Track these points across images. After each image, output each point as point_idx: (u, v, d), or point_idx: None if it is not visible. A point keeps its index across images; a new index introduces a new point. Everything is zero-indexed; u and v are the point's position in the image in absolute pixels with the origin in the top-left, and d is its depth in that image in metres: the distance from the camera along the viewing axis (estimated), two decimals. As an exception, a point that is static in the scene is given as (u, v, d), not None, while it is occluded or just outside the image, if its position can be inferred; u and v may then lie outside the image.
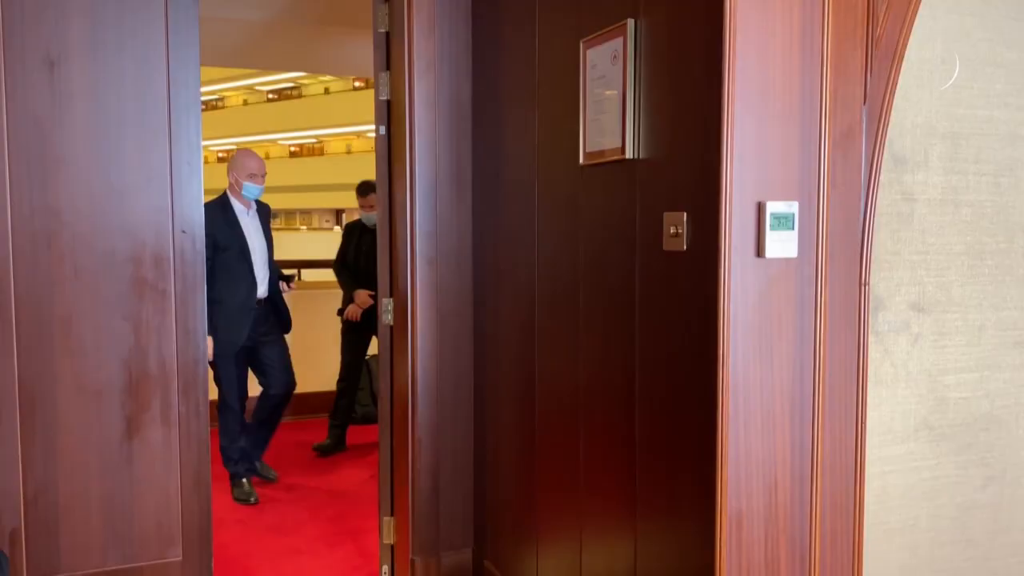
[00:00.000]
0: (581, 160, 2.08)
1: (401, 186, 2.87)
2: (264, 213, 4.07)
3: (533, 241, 2.41)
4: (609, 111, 1.95)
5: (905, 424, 1.93)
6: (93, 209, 2.60)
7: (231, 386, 3.93)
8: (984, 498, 2.04)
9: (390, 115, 2.98)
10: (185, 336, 2.72)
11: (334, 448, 4.83)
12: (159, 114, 2.66)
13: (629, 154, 1.88)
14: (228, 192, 3.92)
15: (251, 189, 3.88)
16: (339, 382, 4.82)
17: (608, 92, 1.95)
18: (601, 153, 1.99)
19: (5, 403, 2.54)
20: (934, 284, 1.94)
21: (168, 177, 2.67)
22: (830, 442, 1.75)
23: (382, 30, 2.97)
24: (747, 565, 1.68)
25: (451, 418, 2.87)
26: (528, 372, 2.47)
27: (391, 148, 2.98)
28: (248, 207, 3.94)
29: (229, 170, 3.92)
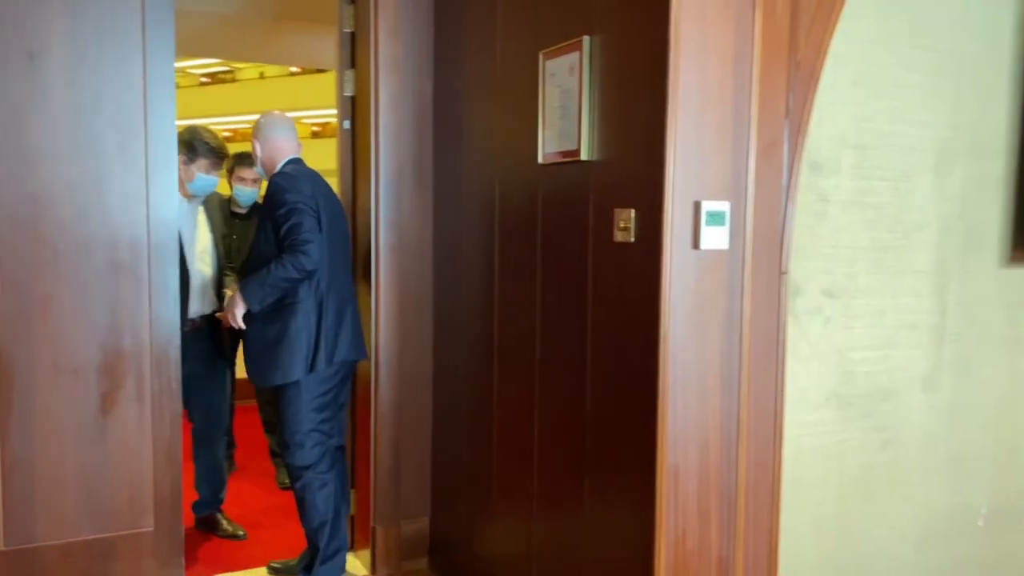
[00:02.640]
0: (540, 160, 2.31)
1: (365, 178, 3.06)
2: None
3: (493, 232, 2.63)
4: (566, 117, 2.19)
5: (817, 394, 2.23)
6: (71, 196, 2.71)
7: None
8: (883, 458, 2.36)
9: (354, 111, 3.16)
10: (158, 318, 2.86)
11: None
12: (135, 106, 2.78)
13: (584, 156, 2.12)
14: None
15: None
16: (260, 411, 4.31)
17: (565, 100, 2.19)
18: (558, 154, 2.23)
19: (-16, 380, 2.64)
20: (843, 274, 2.24)
21: (144, 166, 2.80)
22: (754, 409, 2.03)
23: (347, 30, 3.15)
24: (683, 513, 1.95)
25: (411, 395, 3.08)
26: (486, 351, 2.69)
27: (355, 142, 3.17)
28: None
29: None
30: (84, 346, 2.77)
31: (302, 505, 2.89)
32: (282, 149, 2.89)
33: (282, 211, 2.73)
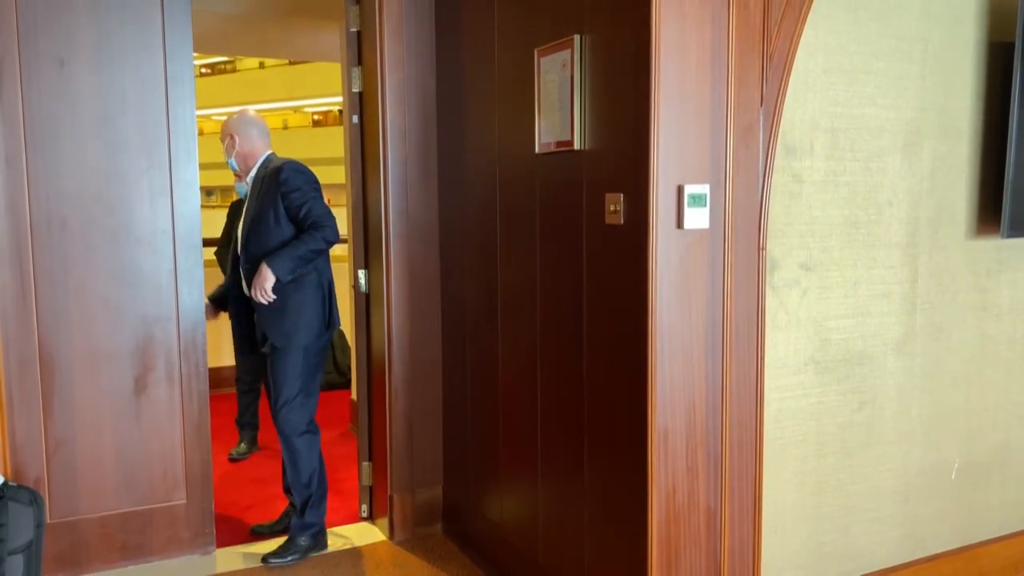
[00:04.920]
0: (536, 149, 2.50)
1: (374, 169, 3.25)
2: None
3: (495, 218, 2.82)
4: (560, 109, 2.37)
5: (796, 360, 2.43)
6: (101, 193, 2.92)
7: None
8: (859, 418, 2.55)
9: (362, 106, 3.34)
10: (184, 305, 3.06)
11: (248, 451, 4.47)
12: (158, 105, 2.97)
13: (577, 145, 2.31)
14: None
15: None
16: (237, 381, 4.47)
17: (559, 94, 2.37)
18: (553, 144, 2.41)
19: (28, 367, 2.85)
20: (819, 248, 2.42)
21: (167, 162, 3.00)
22: (736, 374, 2.22)
23: (354, 29, 3.33)
24: (673, 470, 2.15)
25: (422, 371, 3.28)
26: (491, 328, 2.89)
27: (364, 135, 3.35)
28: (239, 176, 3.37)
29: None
30: (117, 333, 2.98)
31: (295, 462, 3.13)
32: (259, 147, 3.19)
33: (297, 194, 3.00)
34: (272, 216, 3.03)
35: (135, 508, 3.06)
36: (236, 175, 3.48)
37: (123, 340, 2.99)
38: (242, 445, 4.44)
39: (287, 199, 3.00)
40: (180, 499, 3.13)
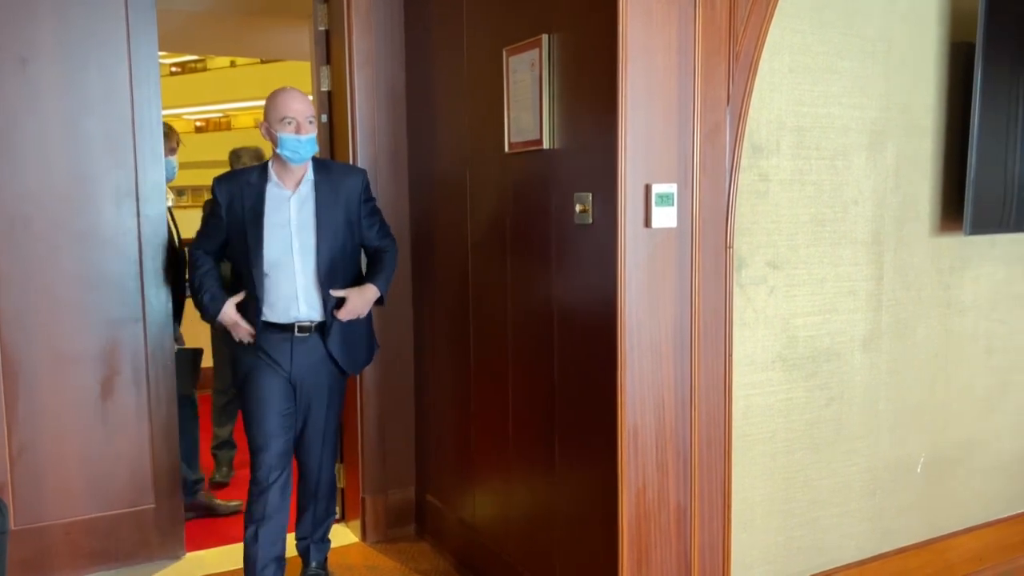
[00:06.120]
0: (506, 149, 2.50)
1: (343, 169, 3.23)
2: (337, 185, 2.68)
3: (465, 217, 2.82)
4: (529, 109, 2.37)
5: (764, 357, 2.45)
6: (66, 194, 2.87)
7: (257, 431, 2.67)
8: (827, 414, 2.58)
9: (331, 105, 3.32)
10: (151, 306, 3.02)
11: (229, 474, 4.05)
12: (122, 105, 2.93)
13: (546, 145, 2.31)
14: (271, 159, 2.70)
15: (288, 142, 2.55)
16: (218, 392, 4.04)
17: (528, 93, 2.37)
18: (523, 143, 2.41)
19: (-10, 370, 2.80)
20: (785, 246, 2.45)
21: (133, 164, 2.95)
22: (705, 371, 2.24)
23: (322, 27, 3.30)
24: (643, 467, 2.16)
25: (394, 373, 3.27)
26: (463, 329, 2.89)
27: (333, 135, 3.33)
28: (291, 178, 2.62)
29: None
30: (82, 336, 2.93)
31: (332, 490, 2.89)
32: None
33: (374, 203, 2.77)
34: (346, 226, 2.65)
35: (102, 513, 3.02)
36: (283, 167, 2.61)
37: (88, 343, 2.94)
38: (224, 468, 4.03)
39: (367, 206, 2.72)
40: (149, 503, 3.09)
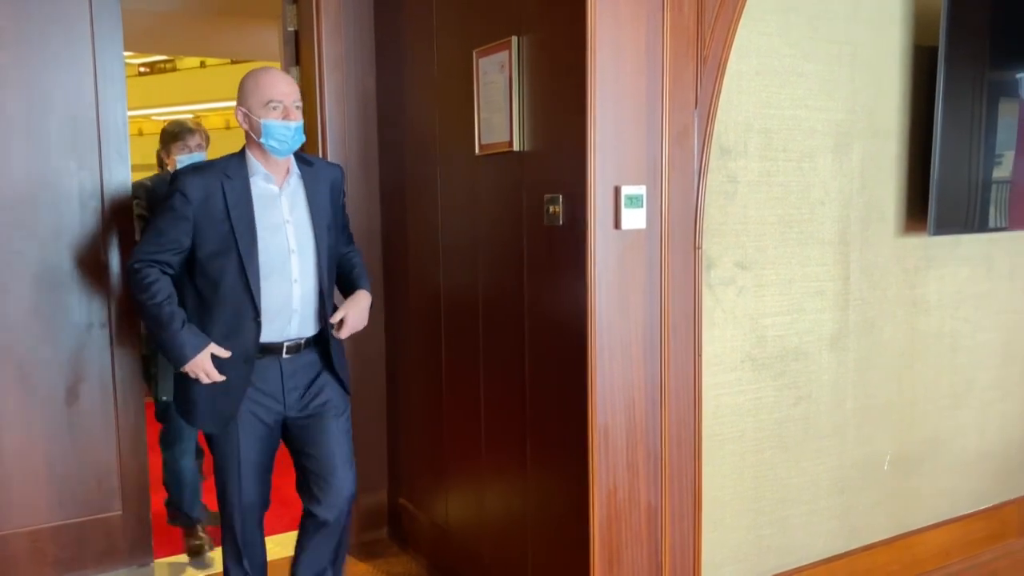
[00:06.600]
0: (477, 151, 2.49)
1: (314, 171, 3.20)
2: (320, 180, 2.38)
3: (437, 219, 2.81)
4: (499, 111, 2.37)
5: (733, 357, 2.47)
6: (27, 194, 2.81)
7: (234, 490, 2.33)
8: (795, 413, 2.61)
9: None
10: (119, 309, 2.98)
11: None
12: (87, 106, 2.88)
13: (516, 147, 2.31)
14: (245, 148, 2.30)
15: (276, 129, 2.20)
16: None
17: (498, 95, 2.37)
18: (493, 145, 2.41)
19: (-49, 376, 2.74)
20: (754, 247, 2.47)
21: (98, 166, 2.91)
22: (675, 371, 2.25)
23: (291, 28, 3.28)
24: (614, 467, 2.16)
25: (366, 377, 3.25)
26: (434, 331, 2.88)
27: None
28: (279, 170, 2.29)
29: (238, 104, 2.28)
30: (47, 341, 2.88)
31: (344, 535, 2.47)
32: None
33: (344, 200, 2.47)
34: (334, 226, 2.37)
35: (68, 521, 2.96)
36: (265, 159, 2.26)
37: (53, 348, 2.89)
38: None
39: (343, 206, 2.46)
40: (116, 510, 3.04)
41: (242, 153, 2.29)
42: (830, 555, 2.73)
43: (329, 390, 2.38)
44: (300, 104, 2.27)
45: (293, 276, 2.26)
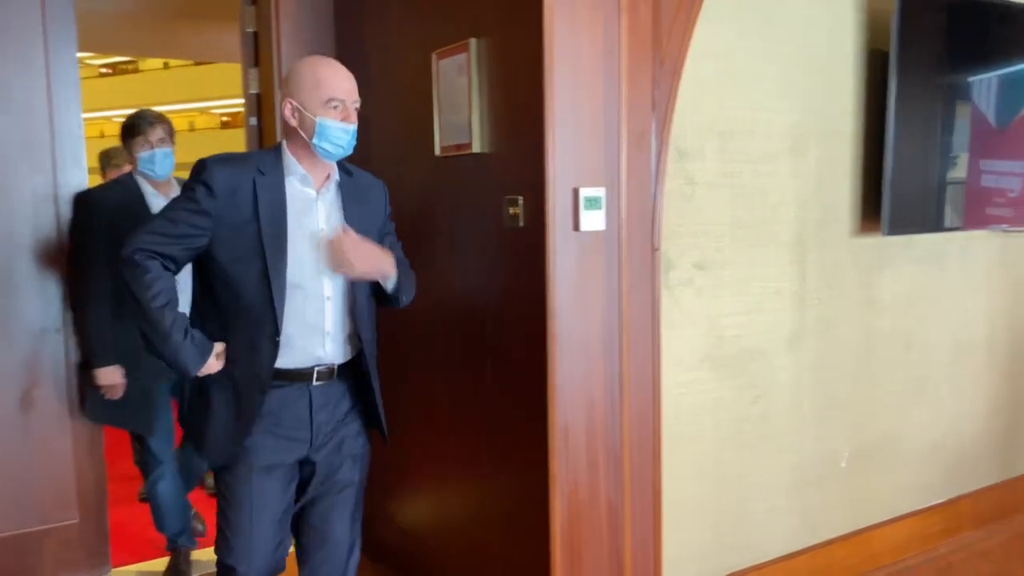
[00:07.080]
0: (437, 152, 2.49)
1: (274, 173, 3.17)
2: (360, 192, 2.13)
3: (400, 220, 2.79)
4: (459, 112, 2.37)
5: (692, 357, 2.49)
6: (-21, 199, 2.76)
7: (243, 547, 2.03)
8: (754, 412, 2.64)
9: (260, 108, 3.27)
10: (76, 313, 2.92)
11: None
12: (40, 109, 2.83)
13: (476, 148, 2.31)
14: (282, 143, 2.02)
15: (333, 131, 1.94)
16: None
17: (457, 97, 2.37)
18: (454, 147, 2.41)
19: (-101, 383, 2.67)
20: (712, 248, 2.50)
21: (52, 169, 2.86)
22: (634, 371, 2.27)
23: (250, 29, 3.25)
24: (574, 466, 2.17)
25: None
26: (396, 335, 2.86)
27: (262, 138, 3.28)
28: (320, 174, 2.02)
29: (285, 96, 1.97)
30: (1, 344, 2.82)
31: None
32: None
33: (393, 224, 2.27)
34: (377, 242, 2.09)
35: (23, 530, 2.90)
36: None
37: (7, 354, 2.83)
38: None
39: (390, 225, 2.23)
40: (72, 519, 2.98)
41: (278, 149, 2.00)
42: (790, 551, 2.77)
43: (350, 443, 2.10)
44: (359, 104, 2.00)
45: (326, 293, 1.98)
